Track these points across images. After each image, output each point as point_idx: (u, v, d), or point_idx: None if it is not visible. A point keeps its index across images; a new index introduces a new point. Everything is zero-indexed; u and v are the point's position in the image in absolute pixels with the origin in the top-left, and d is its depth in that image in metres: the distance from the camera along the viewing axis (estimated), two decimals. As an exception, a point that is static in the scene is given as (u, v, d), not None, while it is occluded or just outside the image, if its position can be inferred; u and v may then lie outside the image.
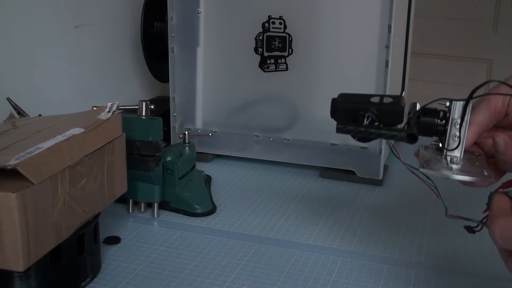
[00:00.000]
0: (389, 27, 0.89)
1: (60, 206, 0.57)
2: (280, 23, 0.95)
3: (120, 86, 1.17)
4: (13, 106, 0.78)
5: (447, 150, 0.56)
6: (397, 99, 0.59)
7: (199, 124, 1.04)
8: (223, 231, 0.78)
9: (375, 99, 0.58)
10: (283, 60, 0.96)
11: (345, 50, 0.93)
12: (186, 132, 0.90)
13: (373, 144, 0.94)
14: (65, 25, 0.99)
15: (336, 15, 0.92)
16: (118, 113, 0.68)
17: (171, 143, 1.04)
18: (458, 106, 0.55)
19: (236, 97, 1.01)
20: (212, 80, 1.02)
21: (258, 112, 1.00)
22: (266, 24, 0.95)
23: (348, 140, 0.95)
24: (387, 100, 0.58)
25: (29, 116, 0.77)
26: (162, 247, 0.73)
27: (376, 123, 0.56)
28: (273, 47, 0.96)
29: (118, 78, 1.16)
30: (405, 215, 0.84)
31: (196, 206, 0.83)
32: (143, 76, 1.21)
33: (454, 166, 0.55)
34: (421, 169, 0.55)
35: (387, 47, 0.89)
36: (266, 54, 0.97)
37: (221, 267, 0.68)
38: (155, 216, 0.82)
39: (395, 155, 0.60)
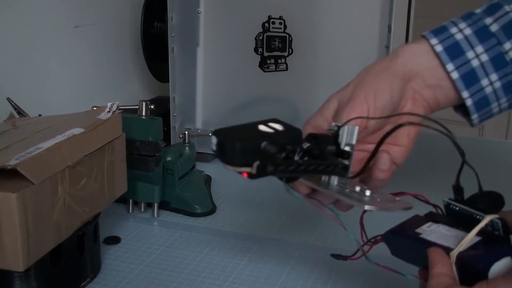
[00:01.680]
0: (389, 27, 0.89)
1: (60, 206, 0.57)
2: (280, 23, 0.95)
3: (120, 86, 1.17)
4: (13, 106, 0.78)
5: (349, 178, 0.51)
6: (285, 124, 0.51)
7: (199, 124, 1.04)
8: (223, 231, 0.78)
9: (265, 128, 0.50)
10: (283, 60, 0.96)
11: (345, 50, 0.93)
12: (186, 132, 0.90)
13: (373, 144, 0.94)
14: (65, 25, 0.99)
15: (336, 15, 0.92)
16: (118, 113, 0.68)
17: (171, 143, 1.04)
18: (346, 131, 0.51)
19: (236, 97, 1.01)
20: (212, 80, 1.02)
21: (258, 112, 1.00)
22: (266, 24, 0.95)
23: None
24: (279, 127, 0.50)
25: (29, 116, 0.77)
26: (162, 247, 0.73)
27: (306, 158, 0.49)
28: (273, 47, 0.96)
29: (118, 78, 1.16)
30: (405, 215, 0.84)
31: (196, 206, 0.83)
32: (143, 76, 1.21)
33: (375, 196, 0.51)
34: (367, 207, 0.50)
35: (387, 47, 0.89)
36: (266, 54, 0.97)
37: (221, 267, 0.68)
38: (155, 216, 0.82)
39: (293, 189, 0.53)
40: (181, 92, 1.03)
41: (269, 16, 0.95)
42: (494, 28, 0.54)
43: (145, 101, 0.80)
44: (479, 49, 0.54)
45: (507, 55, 0.54)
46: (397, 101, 0.55)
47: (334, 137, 0.51)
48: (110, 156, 0.66)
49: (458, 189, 0.53)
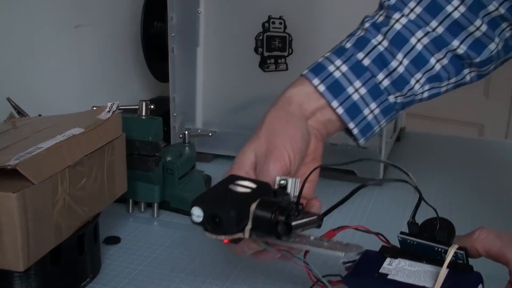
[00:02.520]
0: (389, 27, 0.88)
1: (60, 206, 0.57)
2: (280, 23, 0.95)
3: (120, 86, 1.17)
4: (13, 106, 0.78)
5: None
6: (251, 180, 0.52)
7: (199, 124, 1.04)
8: (223, 231, 0.78)
9: (240, 189, 0.50)
10: (283, 60, 0.96)
11: (345, 50, 0.93)
12: (186, 132, 0.90)
13: (373, 144, 0.94)
14: (65, 25, 0.99)
15: (336, 15, 0.92)
16: (118, 113, 0.68)
17: (171, 143, 1.04)
18: (294, 183, 0.53)
19: (236, 97, 1.01)
20: (212, 80, 1.02)
21: (258, 112, 1.00)
22: (266, 24, 0.95)
23: (348, 140, 0.95)
24: (249, 183, 0.51)
25: (29, 116, 0.77)
26: (162, 247, 0.73)
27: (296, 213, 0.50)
28: (273, 47, 0.96)
29: (118, 78, 1.16)
30: (405, 215, 0.84)
31: (196, 206, 0.83)
32: (143, 76, 1.21)
33: (331, 242, 0.51)
34: (343, 254, 0.49)
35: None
36: (266, 54, 0.97)
37: (221, 267, 0.68)
38: (155, 216, 0.82)
39: (263, 243, 0.51)
40: (181, 92, 1.03)
41: (269, 16, 0.95)
42: (366, 62, 0.61)
43: (145, 101, 0.80)
44: (357, 84, 0.61)
45: (381, 84, 0.61)
46: (308, 140, 0.60)
47: (285, 190, 0.53)
48: (110, 156, 0.66)
49: (413, 225, 0.54)
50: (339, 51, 0.62)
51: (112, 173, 0.67)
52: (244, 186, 0.50)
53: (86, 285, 0.63)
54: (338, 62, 0.61)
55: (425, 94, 0.64)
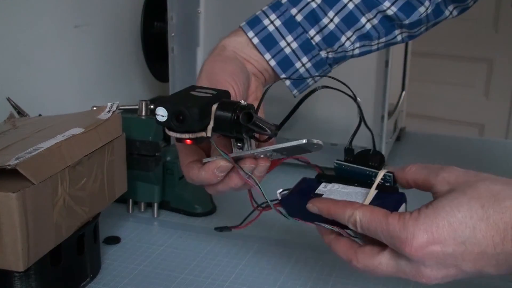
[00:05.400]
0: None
1: (60, 206, 0.57)
2: (280, 23, 0.95)
3: (120, 86, 1.17)
4: (13, 106, 0.78)
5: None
6: (211, 88, 0.53)
7: (199, 124, 1.04)
8: (223, 231, 0.78)
9: (201, 94, 0.52)
10: (283, 60, 0.96)
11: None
12: (186, 132, 0.90)
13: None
14: (65, 25, 0.99)
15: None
16: (118, 113, 0.68)
17: (171, 143, 1.04)
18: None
19: (236, 97, 1.01)
20: (212, 80, 1.02)
21: (258, 112, 1.00)
22: (266, 24, 0.95)
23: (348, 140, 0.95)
24: (209, 91, 0.53)
25: (29, 116, 0.77)
26: (162, 247, 0.73)
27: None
28: (273, 47, 0.96)
29: (118, 78, 1.16)
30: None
31: (196, 206, 0.83)
32: (143, 76, 1.21)
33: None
34: (307, 140, 0.51)
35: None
36: (266, 54, 0.96)
37: (221, 267, 0.68)
38: (155, 216, 0.82)
39: (220, 150, 0.53)
40: (181, 92, 1.03)
41: (269, 16, 0.95)
42: (299, 18, 0.63)
43: (145, 101, 0.80)
44: (289, 38, 0.64)
45: (312, 40, 0.64)
46: (248, 75, 0.62)
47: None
48: (110, 156, 0.66)
49: (349, 151, 0.58)
50: (275, 5, 0.64)
51: (112, 173, 0.67)
52: (204, 92, 0.52)
53: (86, 285, 0.64)
54: (272, 16, 0.64)
55: (356, 51, 0.67)
